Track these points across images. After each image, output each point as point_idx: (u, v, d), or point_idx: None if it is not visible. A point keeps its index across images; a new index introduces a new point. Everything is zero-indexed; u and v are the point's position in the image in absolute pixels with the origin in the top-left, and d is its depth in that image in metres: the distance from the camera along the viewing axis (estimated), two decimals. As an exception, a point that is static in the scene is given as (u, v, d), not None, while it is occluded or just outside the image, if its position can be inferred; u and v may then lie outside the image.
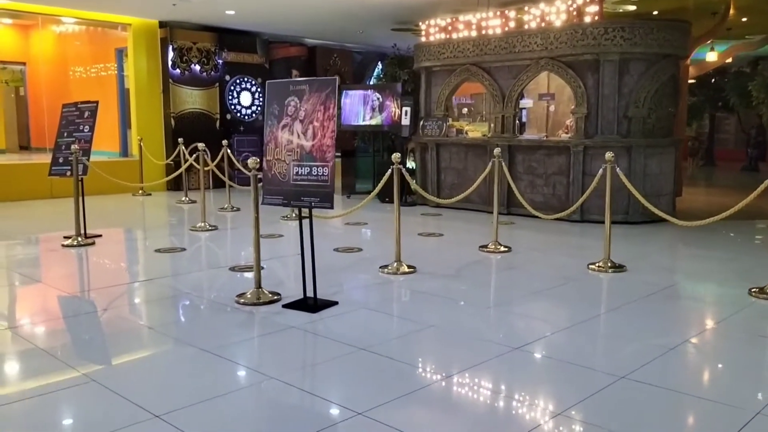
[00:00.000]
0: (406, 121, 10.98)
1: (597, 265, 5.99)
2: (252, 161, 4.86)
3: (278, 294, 4.96)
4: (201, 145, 8.39)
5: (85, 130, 7.22)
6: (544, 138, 9.56)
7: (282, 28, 13.32)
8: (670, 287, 5.51)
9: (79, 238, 7.05)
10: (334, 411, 3.01)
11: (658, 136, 8.85)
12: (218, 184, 11.53)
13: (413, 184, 6.37)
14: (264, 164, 4.86)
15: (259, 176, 4.88)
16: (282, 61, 14.53)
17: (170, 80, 12.58)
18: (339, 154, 12.40)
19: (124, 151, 13.79)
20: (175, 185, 11.93)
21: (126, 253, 7.26)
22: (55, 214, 9.80)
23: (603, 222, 8.38)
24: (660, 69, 8.60)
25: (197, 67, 12.88)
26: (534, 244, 7.33)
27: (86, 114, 7.30)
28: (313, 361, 3.76)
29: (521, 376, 3.49)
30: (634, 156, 8.50)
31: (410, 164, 10.95)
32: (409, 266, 5.89)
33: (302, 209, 4.85)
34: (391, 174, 5.82)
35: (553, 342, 3.98)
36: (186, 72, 12.73)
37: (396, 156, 5.84)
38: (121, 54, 13.56)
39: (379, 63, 15.81)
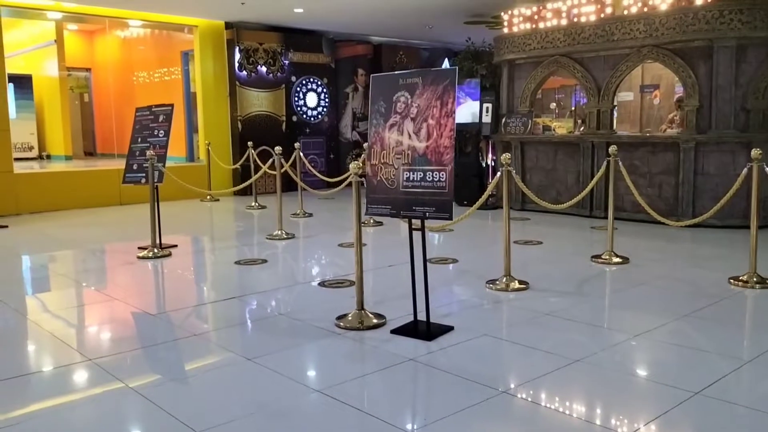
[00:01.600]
0: (486, 118, 10.27)
1: (741, 279, 5.16)
2: (354, 165, 4.27)
3: (382, 316, 4.36)
4: (278, 149, 7.92)
5: (160, 135, 6.79)
6: (648, 134, 8.70)
7: (348, 26, 12.77)
8: (843, 308, 4.66)
9: (155, 249, 6.63)
10: (504, 485, 2.36)
11: (779, 130, 7.89)
12: (285, 188, 11.05)
13: (524, 189, 5.67)
14: (368, 169, 4.26)
15: (361, 181, 4.29)
16: (348, 60, 14.00)
17: (237, 82, 12.19)
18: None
19: (190, 155, 13.51)
20: (241, 190, 11.51)
21: (205, 266, 6.79)
22: (125, 221, 9.50)
23: (715, 226, 7.65)
24: (783, 54, 7.65)
25: (263, 69, 12.46)
26: (651, 254, 6.51)
27: (161, 118, 6.87)
28: (451, 409, 3.04)
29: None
30: (756, 152, 7.55)
31: (485, 163, 10.23)
32: (520, 282, 5.21)
33: (412, 220, 4.24)
34: (501, 176, 5.19)
35: (741, 383, 3.23)
36: (252, 74, 12.32)
37: (506, 156, 5.18)
38: (186, 57, 13.28)
39: (446, 59, 15.10)
